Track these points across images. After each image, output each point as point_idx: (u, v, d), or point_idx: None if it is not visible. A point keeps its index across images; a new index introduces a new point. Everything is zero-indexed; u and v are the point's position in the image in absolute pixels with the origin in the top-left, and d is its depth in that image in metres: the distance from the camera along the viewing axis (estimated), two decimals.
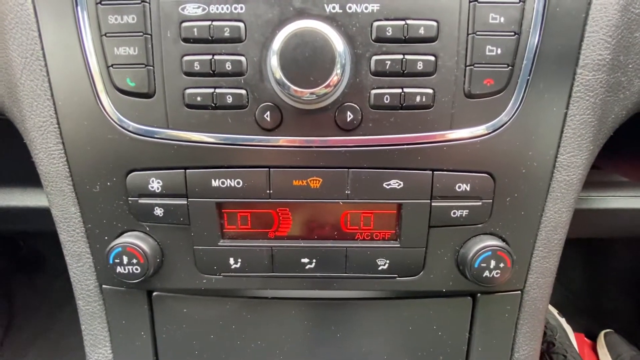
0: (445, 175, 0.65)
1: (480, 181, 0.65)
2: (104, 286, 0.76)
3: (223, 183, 0.65)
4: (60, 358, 1.70)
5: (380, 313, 0.81)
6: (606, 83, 0.62)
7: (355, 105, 0.61)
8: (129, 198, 0.67)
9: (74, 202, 0.69)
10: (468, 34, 0.59)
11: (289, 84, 0.57)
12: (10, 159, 0.89)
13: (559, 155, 0.65)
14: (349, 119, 0.61)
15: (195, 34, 0.59)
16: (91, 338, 0.80)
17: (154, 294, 0.78)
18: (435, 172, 0.65)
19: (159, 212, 0.67)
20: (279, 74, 0.57)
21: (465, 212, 0.67)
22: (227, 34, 0.58)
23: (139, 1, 0.58)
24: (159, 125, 0.63)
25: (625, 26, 0.60)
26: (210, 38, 0.59)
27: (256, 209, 0.68)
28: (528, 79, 0.61)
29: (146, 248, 0.67)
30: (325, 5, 0.58)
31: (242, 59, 0.59)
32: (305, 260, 0.70)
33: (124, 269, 0.67)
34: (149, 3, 0.58)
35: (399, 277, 0.72)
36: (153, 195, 0.66)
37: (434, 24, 0.58)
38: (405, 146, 0.63)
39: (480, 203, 0.66)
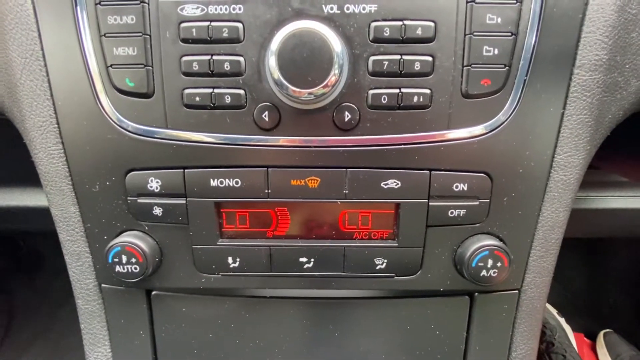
0: (443, 175, 0.65)
1: (477, 181, 0.65)
2: (103, 285, 0.76)
3: (222, 183, 0.66)
4: (60, 358, 1.70)
5: (378, 312, 0.81)
6: (603, 83, 0.63)
7: (353, 105, 0.61)
8: (128, 197, 0.67)
9: (73, 201, 0.69)
10: (465, 35, 0.59)
11: (287, 84, 0.57)
12: (10, 158, 0.89)
13: (556, 155, 0.65)
14: (346, 119, 0.62)
15: (194, 34, 0.59)
16: (90, 337, 0.81)
17: (153, 293, 0.78)
18: (432, 171, 0.65)
19: (157, 211, 0.68)
20: (277, 74, 0.57)
21: (462, 212, 0.67)
22: (225, 35, 0.59)
23: (138, 2, 0.59)
24: (158, 125, 0.63)
25: (622, 26, 0.61)
26: (208, 38, 0.59)
27: (254, 208, 0.68)
28: (525, 79, 0.61)
29: (145, 247, 0.68)
30: (323, 6, 0.58)
31: (241, 59, 0.60)
32: (304, 259, 0.71)
33: (123, 268, 0.68)
34: (148, 4, 0.59)
35: (397, 276, 0.72)
36: (152, 194, 0.67)
37: (432, 24, 0.58)
38: (402, 146, 0.63)
39: (477, 203, 0.67)
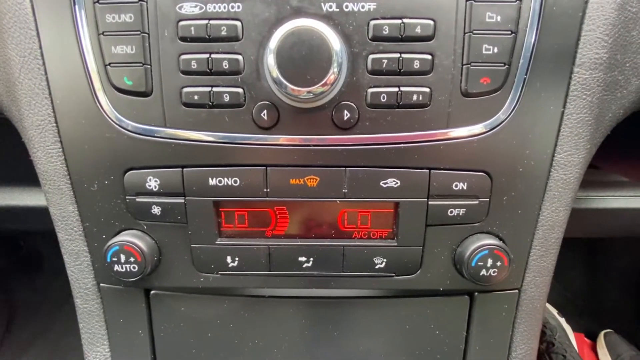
0: (442, 174, 0.65)
1: (477, 180, 0.65)
2: (101, 284, 0.76)
3: (220, 182, 0.66)
4: (60, 357, 1.70)
5: (377, 312, 0.81)
6: (603, 82, 0.62)
7: (352, 104, 0.61)
8: (127, 197, 0.67)
9: (71, 200, 0.69)
10: (465, 33, 0.59)
11: (285, 82, 0.57)
12: (9, 158, 0.89)
13: (555, 154, 0.65)
14: (345, 118, 0.62)
15: (193, 32, 0.59)
16: (89, 336, 0.81)
17: (152, 292, 0.78)
18: (432, 170, 0.65)
19: (156, 210, 0.68)
20: (275, 72, 0.57)
21: (462, 211, 0.67)
22: (224, 33, 0.59)
23: (137, 0, 0.58)
24: (157, 124, 0.63)
25: (622, 25, 0.60)
26: (207, 37, 0.59)
27: (253, 207, 0.68)
28: (525, 78, 0.61)
29: (144, 246, 0.67)
30: (322, 4, 0.58)
31: (239, 57, 0.60)
32: (303, 258, 0.70)
33: (122, 267, 0.68)
34: (147, 2, 0.59)
35: (396, 275, 0.72)
36: (150, 193, 0.67)
37: (431, 22, 0.58)
38: (402, 145, 0.63)
39: (477, 202, 0.67)
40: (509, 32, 0.59)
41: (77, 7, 0.60)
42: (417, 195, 0.66)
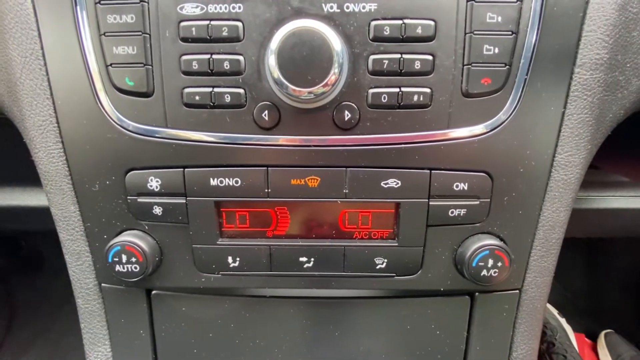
0: (443, 175, 0.65)
1: (477, 180, 0.65)
2: (103, 285, 0.76)
3: (221, 182, 0.66)
4: (60, 357, 1.70)
5: (378, 312, 0.81)
6: (604, 82, 0.62)
7: (353, 105, 0.61)
8: (128, 197, 0.67)
9: (73, 200, 0.69)
10: (465, 33, 0.59)
11: (286, 83, 0.57)
12: (11, 158, 0.89)
13: (556, 155, 0.65)
14: (346, 118, 0.62)
15: (194, 33, 0.59)
16: (90, 336, 0.81)
17: (153, 292, 0.78)
18: (433, 171, 0.65)
19: (157, 210, 0.68)
20: (276, 73, 0.57)
21: (463, 211, 0.67)
22: (225, 34, 0.59)
23: (138, 1, 0.58)
24: (158, 125, 0.63)
25: (622, 25, 0.60)
26: (208, 37, 0.59)
27: (254, 207, 0.68)
28: (525, 78, 0.61)
29: (145, 247, 0.68)
30: (323, 5, 0.58)
31: (240, 58, 0.60)
32: (304, 259, 0.70)
33: (123, 268, 0.68)
34: (148, 3, 0.59)
35: (397, 276, 0.72)
36: (152, 194, 0.67)
37: (432, 23, 0.58)
38: (403, 145, 0.63)
39: (478, 202, 0.67)
40: (510, 33, 0.59)
41: (78, 7, 0.60)
42: (418, 196, 0.66)
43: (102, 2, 0.59)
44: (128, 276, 0.68)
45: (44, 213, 0.83)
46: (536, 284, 0.75)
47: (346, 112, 0.61)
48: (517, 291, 0.75)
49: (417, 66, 0.59)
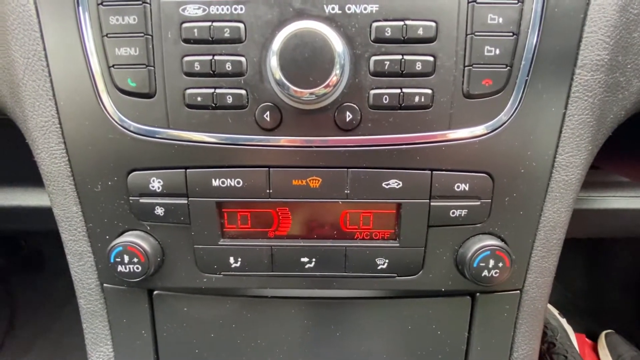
0: (444, 175, 0.65)
1: (479, 181, 0.65)
2: (105, 285, 0.76)
3: (223, 183, 0.66)
4: (62, 357, 1.71)
5: (379, 312, 0.81)
6: (605, 83, 0.63)
7: (355, 106, 0.61)
8: (130, 197, 0.68)
9: (75, 201, 0.70)
10: (467, 35, 0.59)
11: (288, 84, 0.58)
12: (13, 158, 0.89)
13: (557, 155, 0.65)
14: (348, 119, 0.62)
15: (196, 34, 0.59)
16: (92, 336, 0.81)
17: (155, 292, 0.78)
18: (434, 172, 0.65)
19: (159, 211, 0.68)
20: (278, 74, 0.57)
21: (464, 212, 0.67)
22: (227, 35, 0.59)
23: (140, 2, 0.59)
24: (160, 125, 0.63)
25: (623, 26, 0.61)
26: (210, 39, 0.59)
27: (256, 208, 0.69)
28: (526, 80, 0.61)
29: (147, 247, 0.68)
30: (325, 6, 0.58)
31: (242, 59, 0.60)
32: (305, 259, 0.71)
33: (125, 268, 0.68)
34: (150, 4, 0.59)
35: (398, 276, 0.72)
36: (154, 194, 0.67)
37: (433, 24, 0.58)
38: (404, 146, 0.63)
39: (479, 203, 0.67)
40: (511, 34, 0.59)
41: (80, 8, 0.60)
42: (419, 196, 0.66)
43: (104, 3, 0.59)
44: (130, 276, 0.68)
45: (44, 213, 0.83)
46: (537, 284, 0.75)
47: (347, 113, 0.62)
48: (518, 291, 0.75)
49: (418, 67, 0.60)
